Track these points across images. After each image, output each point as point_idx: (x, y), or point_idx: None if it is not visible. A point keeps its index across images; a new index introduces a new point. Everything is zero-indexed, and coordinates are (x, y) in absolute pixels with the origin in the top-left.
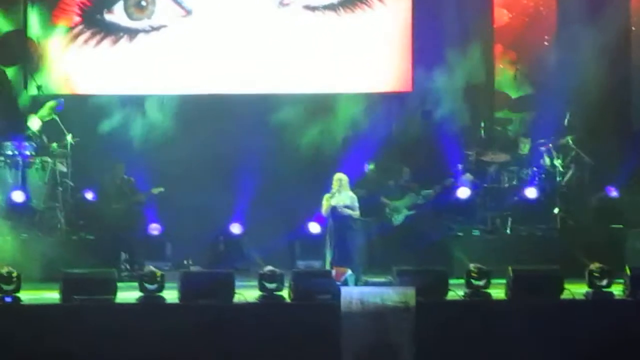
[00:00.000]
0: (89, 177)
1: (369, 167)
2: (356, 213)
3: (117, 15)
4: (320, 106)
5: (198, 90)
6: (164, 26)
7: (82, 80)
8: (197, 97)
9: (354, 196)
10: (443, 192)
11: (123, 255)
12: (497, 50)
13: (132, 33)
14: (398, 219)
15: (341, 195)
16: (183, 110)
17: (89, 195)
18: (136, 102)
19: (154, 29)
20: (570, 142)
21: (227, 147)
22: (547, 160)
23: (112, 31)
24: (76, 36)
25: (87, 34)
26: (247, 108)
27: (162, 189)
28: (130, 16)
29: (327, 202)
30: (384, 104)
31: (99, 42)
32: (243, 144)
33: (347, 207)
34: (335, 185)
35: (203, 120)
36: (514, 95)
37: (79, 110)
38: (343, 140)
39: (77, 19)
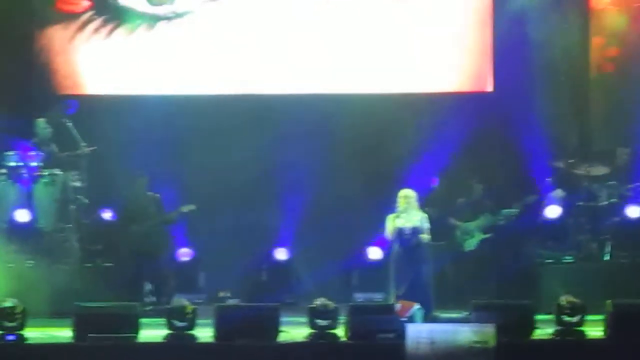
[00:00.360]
0: (107, 193)
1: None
2: (427, 237)
3: None
4: (381, 109)
5: (235, 90)
6: (190, 12)
7: (94, 78)
8: (235, 98)
9: (425, 216)
10: (526, 211)
11: (147, 286)
12: (595, 43)
13: (151, 20)
14: (471, 243)
15: (409, 215)
16: (217, 114)
17: (107, 215)
18: (160, 104)
19: (177, 15)
20: None
21: (271, 157)
22: None
23: (127, 18)
24: (85, 24)
25: (98, 21)
26: (295, 112)
27: (193, 207)
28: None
29: (392, 223)
30: (457, 107)
31: (111, 31)
32: (290, 155)
33: (415, 229)
34: (401, 203)
35: (242, 125)
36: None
37: (92, 114)
38: (408, 150)
39: (86, 3)
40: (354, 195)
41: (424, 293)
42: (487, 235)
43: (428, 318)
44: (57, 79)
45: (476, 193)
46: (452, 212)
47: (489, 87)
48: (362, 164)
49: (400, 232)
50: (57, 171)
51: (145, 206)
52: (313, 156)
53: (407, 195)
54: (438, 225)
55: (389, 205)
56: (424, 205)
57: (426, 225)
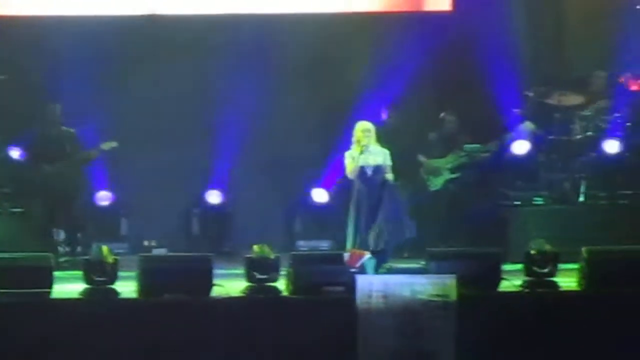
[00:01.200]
0: (15, 128)
1: (392, 113)
2: (391, 175)
3: None
4: (330, 32)
5: (167, 10)
6: None
7: None
8: (167, 19)
9: (387, 152)
10: (500, 150)
11: (61, 234)
12: None
13: None
14: (437, 183)
15: (370, 151)
16: (146, 38)
17: (15, 154)
18: (80, 25)
19: None
20: None
21: (205, 87)
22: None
23: None
24: None
25: None
26: (230, 36)
27: (115, 144)
28: None
29: (353, 161)
30: (413, 28)
31: None
32: (227, 85)
33: (378, 167)
34: (361, 138)
35: (174, 51)
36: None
37: (1, 38)
38: (361, 79)
39: None
40: (297, 131)
41: (390, 241)
42: (455, 175)
43: (380, 268)
44: None
45: (449, 126)
46: (421, 148)
47: (447, 6)
48: (309, 94)
49: (361, 171)
50: None
51: (60, 142)
52: (252, 86)
53: (367, 129)
54: (397, 163)
55: (338, 141)
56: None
57: (389, 162)
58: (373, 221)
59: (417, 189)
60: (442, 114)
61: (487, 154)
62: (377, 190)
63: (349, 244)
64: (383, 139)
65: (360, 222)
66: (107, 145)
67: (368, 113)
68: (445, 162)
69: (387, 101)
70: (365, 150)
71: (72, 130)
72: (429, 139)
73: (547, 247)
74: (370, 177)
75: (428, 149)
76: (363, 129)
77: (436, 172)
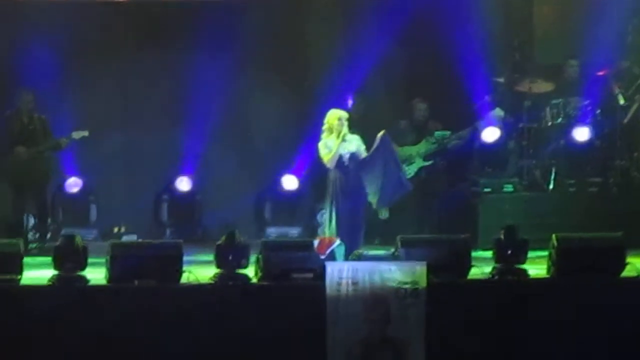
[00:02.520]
0: None
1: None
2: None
3: None
4: (297, 15)
5: None
6: None
7: None
8: (137, 4)
9: (359, 138)
10: (471, 136)
11: (31, 220)
12: None
13: None
14: (410, 171)
15: (346, 139)
16: (116, 23)
17: None
18: (52, 9)
19: None
20: (635, 66)
21: (174, 72)
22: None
23: None
24: None
25: None
26: (199, 21)
27: (86, 134)
28: None
29: (330, 151)
30: (380, 12)
31: None
32: (194, 71)
33: (353, 155)
34: (337, 126)
35: (144, 35)
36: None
37: None
38: (329, 63)
39: None
40: (267, 115)
41: (359, 227)
42: (427, 163)
43: (350, 255)
44: None
45: (419, 113)
46: (393, 135)
47: None
48: (279, 81)
49: (339, 160)
50: None
51: (30, 128)
52: (222, 72)
53: (343, 117)
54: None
55: (309, 128)
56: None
57: (363, 147)
58: (347, 209)
59: None
60: (413, 101)
61: (458, 141)
62: (353, 177)
63: (327, 232)
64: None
65: (338, 209)
66: (78, 134)
67: (335, 99)
68: (418, 149)
69: (352, 88)
70: (343, 139)
71: (43, 117)
72: (400, 127)
73: (517, 234)
74: (347, 165)
75: (398, 137)
76: (339, 116)
77: (409, 160)
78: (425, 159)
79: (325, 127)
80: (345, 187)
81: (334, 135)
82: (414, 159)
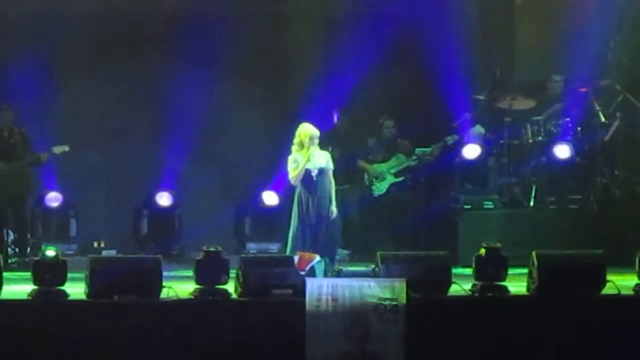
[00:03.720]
0: None
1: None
2: (332, 179)
3: None
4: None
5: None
6: None
7: None
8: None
9: (329, 155)
10: (445, 152)
11: (10, 235)
12: None
13: None
14: (381, 187)
15: (315, 155)
16: (94, 37)
17: None
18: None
19: None
20: (616, 83)
21: (155, 86)
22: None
23: None
24: None
25: None
26: (181, 35)
27: (67, 149)
28: None
29: (300, 166)
30: (356, 26)
31: None
32: (177, 83)
33: (322, 170)
34: (307, 143)
35: (122, 50)
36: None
37: None
38: (309, 80)
39: None
40: (248, 131)
41: (334, 246)
42: (399, 179)
43: (330, 271)
44: None
45: (387, 131)
46: (361, 153)
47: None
48: (262, 97)
49: (306, 174)
50: None
51: (10, 143)
52: (203, 87)
53: (315, 136)
54: (343, 168)
55: (289, 143)
56: (325, 144)
57: (331, 166)
58: (315, 225)
59: (364, 193)
60: (380, 120)
61: (430, 157)
62: (321, 192)
63: (289, 249)
64: (334, 142)
65: (304, 226)
66: (58, 149)
67: (318, 115)
68: (388, 167)
69: (337, 104)
70: (312, 156)
71: (23, 131)
72: (369, 145)
73: (497, 251)
74: (314, 181)
75: (368, 154)
76: (311, 135)
77: (380, 177)
78: (396, 175)
79: (296, 140)
80: (312, 202)
81: (304, 151)
82: (385, 176)
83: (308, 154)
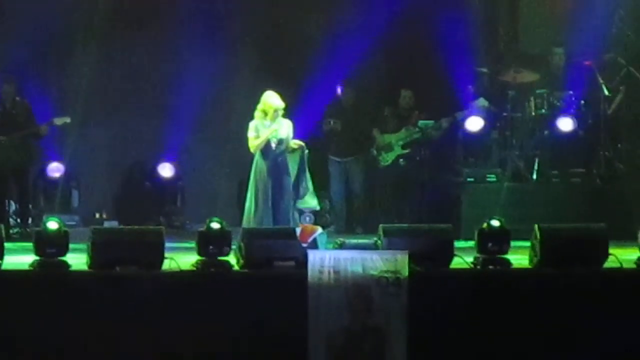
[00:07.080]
0: None
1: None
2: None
3: None
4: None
5: None
6: None
7: None
8: None
9: (291, 124)
10: (452, 126)
11: (12, 206)
12: None
13: None
14: (387, 158)
15: (279, 124)
16: (97, 10)
17: None
18: None
19: None
20: (619, 57)
21: (157, 60)
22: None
23: None
24: None
25: None
26: (183, 8)
27: (68, 120)
28: None
29: (261, 137)
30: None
31: None
32: (178, 57)
33: (281, 140)
34: (272, 115)
35: (126, 23)
36: None
37: None
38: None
39: None
40: (251, 102)
41: (286, 212)
42: (405, 151)
43: (332, 243)
44: None
45: (403, 102)
46: (377, 124)
47: None
48: (263, 68)
49: (267, 145)
50: None
51: (12, 114)
52: (206, 59)
53: (279, 108)
54: (346, 140)
55: (293, 115)
56: (326, 116)
57: (292, 134)
58: (275, 196)
59: (368, 165)
60: (399, 89)
61: (439, 131)
62: (281, 162)
63: (245, 219)
64: (337, 114)
65: (259, 197)
66: (60, 121)
67: (321, 87)
68: (397, 138)
69: (340, 77)
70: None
71: (26, 101)
72: (385, 113)
73: (500, 224)
74: (273, 151)
75: (383, 124)
76: (276, 108)
77: (387, 148)
78: (403, 147)
79: (260, 107)
80: (271, 172)
81: (268, 118)
82: (393, 147)
83: (272, 129)
